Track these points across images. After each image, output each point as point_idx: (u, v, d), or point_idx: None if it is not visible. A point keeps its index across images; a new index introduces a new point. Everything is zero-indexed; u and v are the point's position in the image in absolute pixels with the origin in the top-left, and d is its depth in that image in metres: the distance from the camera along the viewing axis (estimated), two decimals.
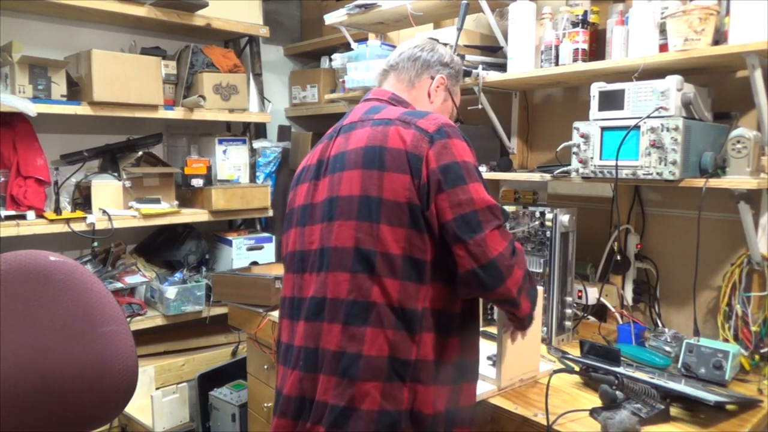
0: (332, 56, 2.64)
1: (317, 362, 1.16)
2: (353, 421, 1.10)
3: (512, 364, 1.49)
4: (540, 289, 1.62)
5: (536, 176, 1.94)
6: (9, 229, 2.13)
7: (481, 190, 1.17)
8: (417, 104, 1.37)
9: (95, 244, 2.40)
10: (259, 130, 3.18)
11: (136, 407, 2.17)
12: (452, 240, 1.12)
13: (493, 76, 2.04)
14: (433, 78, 1.39)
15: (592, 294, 1.91)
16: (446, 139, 1.16)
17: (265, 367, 2.16)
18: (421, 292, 1.14)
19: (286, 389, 1.21)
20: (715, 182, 1.51)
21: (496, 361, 1.51)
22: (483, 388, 1.45)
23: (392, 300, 1.12)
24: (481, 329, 1.95)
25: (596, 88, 1.71)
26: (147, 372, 2.31)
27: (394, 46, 2.44)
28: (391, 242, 1.12)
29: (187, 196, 2.79)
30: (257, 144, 3.00)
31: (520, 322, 1.32)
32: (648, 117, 1.56)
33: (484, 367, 1.55)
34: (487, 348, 1.75)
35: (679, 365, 1.56)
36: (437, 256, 1.14)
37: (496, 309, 2.01)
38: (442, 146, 1.15)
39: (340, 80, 2.65)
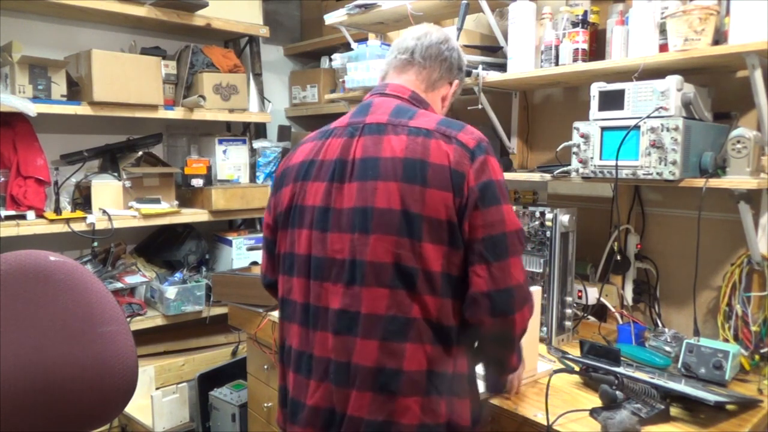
0: (332, 56, 2.64)
1: (349, 377, 1.13)
2: None
3: None
4: (539, 288, 1.62)
5: (536, 176, 1.94)
6: (9, 229, 2.13)
7: (512, 212, 1.15)
8: (432, 106, 1.33)
9: (95, 244, 2.40)
10: (259, 130, 3.18)
11: (136, 407, 2.17)
12: (476, 259, 1.11)
13: (493, 76, 2.04)
14: (451, 84, 1.35)
15: (592, 294, 1.91)
16: (485, 156, 1.14)
17: (265, 367, 2.16)
18: (455, 308, 1.14)
19: (312, 400, 1.17)
20: (715, 182, 1.51)
21: None
22: (483, 388, 1.45)
23: (431, 316, 1.11)
24: None
25: (596, 88, 1.71)
26: (147, 372, 2.31)
27: None
28: (433, 260, 1.10)
29: (187, 196, 2.79)
30: (257, 144, 3.00)
31: (506, 371, 1.33)
32: (648, 117, 1.56)
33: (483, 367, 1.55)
34: None
35: (679, 365, 1.56)
36: (463, 270, 1.14)
37: None
38: (481, 163, 1.12)
39: (340, 80, 2.65)
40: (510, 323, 1.14)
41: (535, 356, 1.57)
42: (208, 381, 2.49)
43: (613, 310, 1.95)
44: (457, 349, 1.14)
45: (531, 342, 1.54)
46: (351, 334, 1.13)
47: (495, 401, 1.43)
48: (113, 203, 2.45)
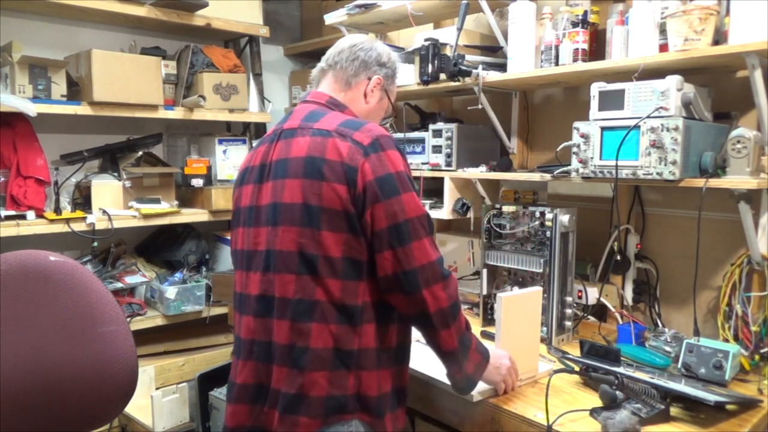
0: None
1: (271, 354, 1.26)
2: (304, 407, 1.22)
3: None
4: (539, 289, 1.62)
5: (536, 176, 1.94)
6: (9, 229, 2.13)
7: (414, 199, 1.26)
8: (353, 105, 1.43)
9: (95, 244, 2.39)
10: (259, 130, 3.17)
11: (136, 407, 2.17)
12: (383, 246, 1.22)
13: (493, 76, 2.04)
14: (370, 78, 1.44)
15: (592, 294, 1.91)
16: (381, 152, 1.24)
17: None
18: (360, 288, 1.24)
19: (241, 378, 1.31)
20: (715, 182, 1.51)
21: None
22: (483, 388, 1.45)
23: (334, 298, 1.22)
24: (481, 329, 1.96)
25: (596, 88, 1.71)
26: (147, 372, 2.31)
27: (394, 46, 2.44)
28: (332, 246, 1.22)
29: (187, 196, 2.79)
30: (257, 144, 2.99)
31: (448, 359, 1.34)
32: (648, 117, 1.56)
33: None
34: (490, 348, 1.75)
35: (679, 365, 1.56)
36: (372, 255, 1.24)
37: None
38: (377, 158, 1.23)
39: None
40: (421, 300, 1.24)
41: (536, 356, 1.57)
42: (208, 381, 2.48)
43: (613, 310, 1.95)
44: (362, 326, 1.24)
45: (532, 342, 1.55)
46: (269, 316, 1.27)
47: (495, 401, 1.43)
48: (113, 203, 2.45)
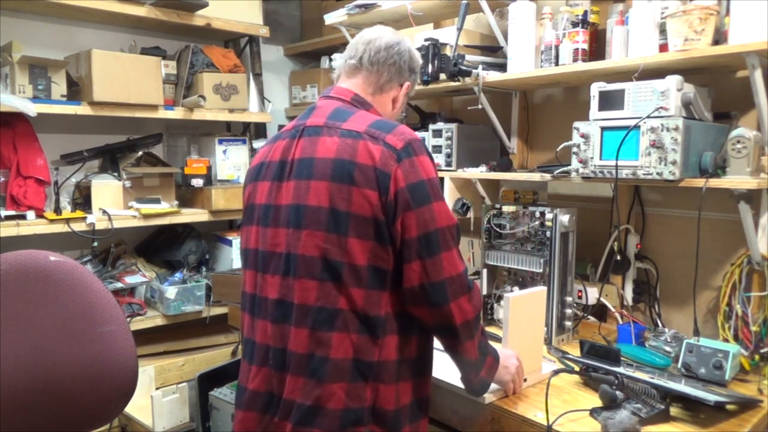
0: (332, 56, 2.62)
1: (285, 362, 1.21)
2: (320, 419, 1.17)
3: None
4: (544, 288, 1.62)
5: (536, 176, 1.94)
6: (9, 229, 2.13)
7: (444, 209, 1.21)
8: (380, 108, 1.37)
9: (95, 244, 2.39)
10: (259, 130, 3.17)
11: (136, 407, 2.17)
12: (412, 256, 1.17)
13: (493, 76, 2.04)
14: (401, 85, 1.39)
15: (592, 294, 1.91)
16: (413, 157, 1.19)
17: None
18: (383, 299, 1.19)
19: (253, 384, 1.27)
20: (715, 182, 1.51)
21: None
22: (493, 389, 1.45)
23: (357, 307, 1.17)
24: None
25: (596, 88, 1.71)
26: (147, 372, 2.31)
27: None
28: (358, 254, 1.16)
29: (187, 196, 2.79)
30: (257, 144, 3.00)
31: (468, 366, 1.32)
32: (648, 117, 1.56)
33: None
34: None
35: (679, 365, 1.56)
36: (398, 264, 1.19)
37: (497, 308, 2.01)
38: (410, 164, 1.18)
39: None
40: (447, 313, 1.20)
41: (540, 356, 1.57)
42: (208, 381, 2.48)
43: (613, 310, 1.95)
44: (383, 338, 1.19)
45: (536, 342, 1.54)
46: (286, 323, 1.21)
47: (495, 401, 1.43)
48: (113, 203, 2.45)
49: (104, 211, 2.39)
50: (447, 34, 2.15)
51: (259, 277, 1.28)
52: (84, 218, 2.32)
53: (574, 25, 1.87)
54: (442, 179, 2.18)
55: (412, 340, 1.25)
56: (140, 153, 2.64)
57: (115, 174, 2.53)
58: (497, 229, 1.98)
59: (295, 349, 1.19)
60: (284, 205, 1.24)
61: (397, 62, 1.36)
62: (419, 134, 2.31)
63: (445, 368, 1.61)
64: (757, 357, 1.60)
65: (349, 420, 1.17)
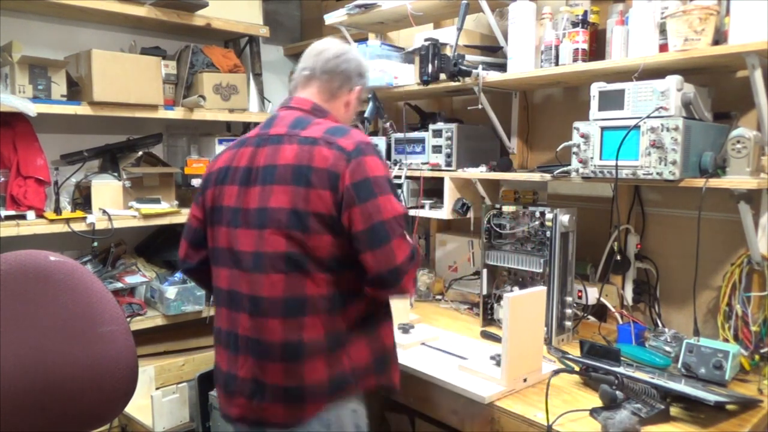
0: None
1: (264, 352, 1.33)
2: (308, 393, 1.30)
3: (516, 365, 1.48)
4: (544, 288, 1.62)
5: (536, 176, 1.94)
6: (9, 229, 2.13)
7: (390, 201, 1.31)
8: (335, 112, 1.49)
9: (95, 244, 2.39)
10: None
11: (136, 407, 2.16)
12: (363, 248, 1.29)
13: (493, 76, 2.04)
14: (351, 90, 1.51)
15: (592, 294, 1.91)
16: (361, 157, 1.31)
17: None
18: (342, 279, 1.33)
19: (242, 372, 1.37)
20: (715, 182, 1.51)
21: (501, 361, 1.51)
22: (489, 389, 1.45)
23: (322, 291, 1.31)
24: (483, 329, 1.96)
25: (596, 88, 1.71)
26: (147, 372, 2.31)
27: (394, 46, 2.44)
28: (318, 247, 1.30)
29: (187, 196, 2.78)
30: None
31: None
32: (648, 117, 1.56)
33: (489, 367, 1.55)
34: (490, 348, 1.75)
35: (679, 365, 1.56)
36: (350, 251, 1.31)
37: (497, 309, 2.01)
38: (357, 164, 1.30)
39: None
40: (402, 288, 1.35)
41: (540, 356, 1.57)
42: (208, 381, 2.48)
43: (613, 310, 1.95)
44: (350, 309, 1.34)
45: (536, 342, 1.55)
46: (260, 315, 1.33)
47: (495, 401, 1.43)
48: (113, 203, 2.44)
49: (104, 211, 2.39)
50: (447, 34, 2.15)
51: (233, 273, 1.39)
52: (84, 218, 2.32)
53: (574, 25, 1.87)
54: (441, 179, 2.19)
55: (367, 309, 1.39)
56: (140, 153, 2.64)
57: (115, 174, 2.53)
58: (497, 229, 1.99)
59: (271, 338, 1.31)
60: (252, 209, 1.36)
61: (346, 69, 1.49)
62: (419, 134, 2.32)
63: (445, 368, 1.61)
64: (757, 357, 1.60)
65: (335, 385, 1.32)
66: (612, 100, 1.67)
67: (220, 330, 1.44)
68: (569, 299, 1.83)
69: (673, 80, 1.54)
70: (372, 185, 1.29)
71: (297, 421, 1.32)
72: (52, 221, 2.23)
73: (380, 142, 2.45)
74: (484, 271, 2.01)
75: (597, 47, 1.98)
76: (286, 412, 1.32)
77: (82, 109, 2.33)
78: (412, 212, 2.25)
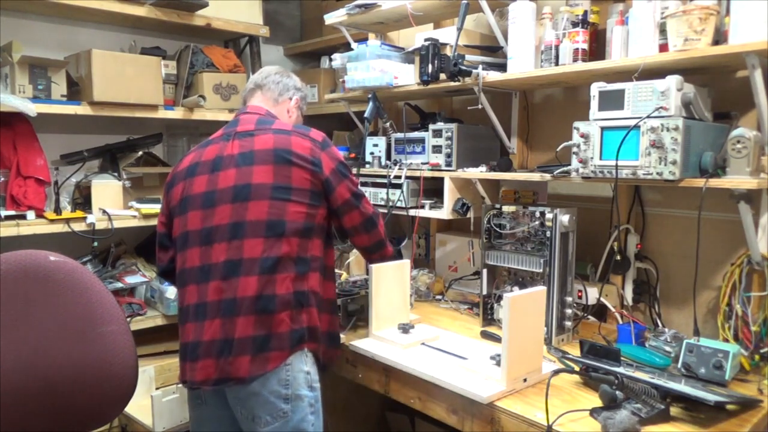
0: (332, 56, 2.63)
1: (236, 308, 1.51)
2: (274, 342, 1.50)
3: (516, 365, 1.48)
4: (544, 288, 1.62)
5: (536, 176, 1.94)
6: (9, 229, 2.13)
7: (354, 177, 1.73)
8: (281, 116, 1.79)
9: (95, 244, 2.39)
10: None
11: (136, 407, 2.16)
12: (352, 208, 1.69)
13: (493, 76, 2.04)
14: (291, 99, 1.84)
15: (592, 294, 1.91)
16: (330, 147, 1.68)
17: None
18: (309, 245, 1.60)
19: (208, 335, 1.53)
20: (715, 182, 1.51)
21: (501, 361, 1.51)
22: (489, 389, 1.45)
23: (293, 252, 1.55)
24: (483, 329, 1.96)
25: (596, 88, 1.71)
26: (147, 372, 2.30)
27: (394, 46, 2.44)
28: (294, 214, 1.57)
29: None
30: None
31: (385, 259, 1.88)
32: (648, 117, 1.56)
33: (489, 367, 1.55)
34: (490, 348, 1.75)
35: (679, 365, 1.56)
36: (323, 221, 1.65)
37: (498, 309, 2.01)
38: (330, 152, 1.66)
39: (340, 80, 2.65)
40: (379, 233, 1.80)
41: (540, 356, 1.57)
42: None
43: (613, 310, 1.95)
44: (309, 273, 1.59)
45: (536, 342, 1.55)
46: (235, 276, 1.53)
47: (495, 401, 1.43)
48: (113, 203, 2.44)
49: (104, 211, 2.39)
50: (447, 34, 2.15)
51: (206, 249, 1.58)
52: (84, 218, 2.32)
53: (574, 25, 1.87)
54: (441, 179, 2.19)
55: (328, 285, 1.69)
56: (140, 153, 2.64)
57: (115, 174, 2.53)
58: (497, 229, 1.99)
59: (245, 294, 1.50)
60: (227, 188, 1.59)
61: (281, 81, 1.82)
62: (419, 134, 2.33)
63: (445, 368, 1.61)
64: (757, 357, 1.61)
65: (295, 339, 1.53)
66: (612, 100, 1.67)
67: (189, 306, 1.59)
68: (569, 299, 1.83)
69: (673, 80, 1.54)
70: (344, 168, 1.68)
71: (260, 371, 1.48)
72: (52, 221, 2.24)
73: (380, 142, 2.45)
74: (484, 271, 2.01)
75: (597, 47, 1.98)
76: (252, 362, 1.48)
77: (82, 109, 2.33)
78: (412, 212, 2.26)
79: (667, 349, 1.66)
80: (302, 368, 1.54)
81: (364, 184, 2.42)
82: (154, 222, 2.51)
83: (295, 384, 1.53)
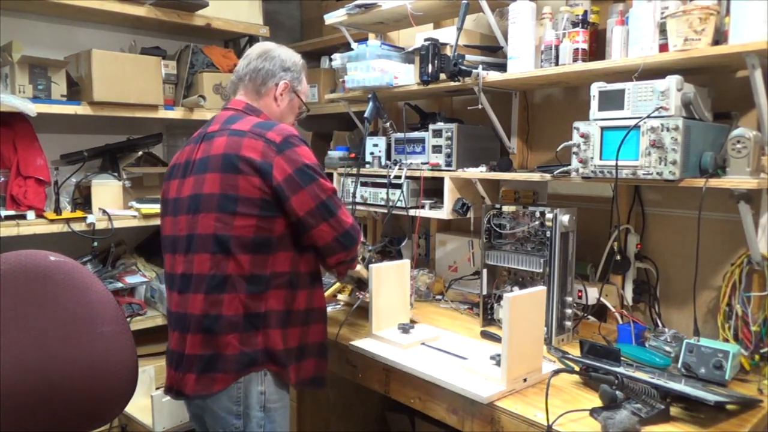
0: (332, 56, 2.63)
1: (186, 324, 1.48)
2: (220, 364, 1.45)
3: (516, 365, 1.48)
4: (543, 288, 1.62)
5: (536, 176, 1.94)
6: (9, 229, 2.13)
7: (326, 181, 1.51)
8: (267, 109, 1.64)
9: (95, 244, 2.39)
10: None
11: (136, 407, 2.16)
12: (317, 221, 1.48)
13: (493, 76, 2.04)
14: (277, 85, 1.64)
15: (592, 294, 1.91)
16: (294, 148, 1.47)
17: None
18: (268, 261, 1.47)
19: (172, 345, 1.56)
20: (715, 182, 1.51)
21: (501, 361, 1.51)
22: (489, 389, 1.45)
23: (244, 270, 1.44)
24: (483, 329, 1.96)
25: (596, 88, 1.71)
26: (147, 372, 2.30)
27: (394, 46, 2.44)
28: (243, 227, 1.43)
29: None
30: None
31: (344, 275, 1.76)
32: (648, 117, 1.56)
33: (489, 367, 1.55)
34: (490, 348, 1.75)
35: (679, 365, 1.56)
36: (284, 232, 1.48)
37: (497, 309, 2.01)
38: (291, 153, 1.46)
39: (340, 80, 2.65)
40: (356, 251, 1.62)
41: (540, 356, 1.57)
42: None
43: (613, 310, 1.95)
44: (268, 292, 1.47)
45: (536, 342, 1.54)
46: (187, 292, 1.49)
47: (495, 401, 1.43)
48: (113, 203, 2.45)
49: (104, 211, 2.39)
50: (447, 34, 2.15)
51: (170, 258, 1.56)
52: (84, 218, 2.32)
53: (574, 25, 1.87)
54: (441, 179, 2.19)
55: (299, 295, 1.54)
56: (140, 153, 2.64)
57: (115, 174, 2.53)
58: (497, 229, 1.99)
59: (193, 311, 1.46)
60: (185, 196, 1.52)
61: (265, 66, 1.62)
62: (419, 134, 2.33)
63: (445, 368, 1.61)
64: (757, 357, 1.60)
65: (245, 362, 1.46)
66: (612, 100, 1.67)
67: (169, 311, 1.60)
68: (569, 299, 1.83)
69: (673, 80, 1.54)
70: (311, 171, 1.47)
71: (206, 392, 1.45)
72: (52, 221, 2.24)
73: (380, 142, 2.45)
74: (484, 271, 2.01)
75: (597, 47, 1.98)
76: (197, 381, 1.46)
77: (82, 109, 2.33)
78: (412, 212, 2.26)
79: (667, 349, 1.66)
80: (257, 388, 1.49)
81: (364, 184, 2.41)
82: (153, 222, 2.52)
83: (246, 402, 1.48)
